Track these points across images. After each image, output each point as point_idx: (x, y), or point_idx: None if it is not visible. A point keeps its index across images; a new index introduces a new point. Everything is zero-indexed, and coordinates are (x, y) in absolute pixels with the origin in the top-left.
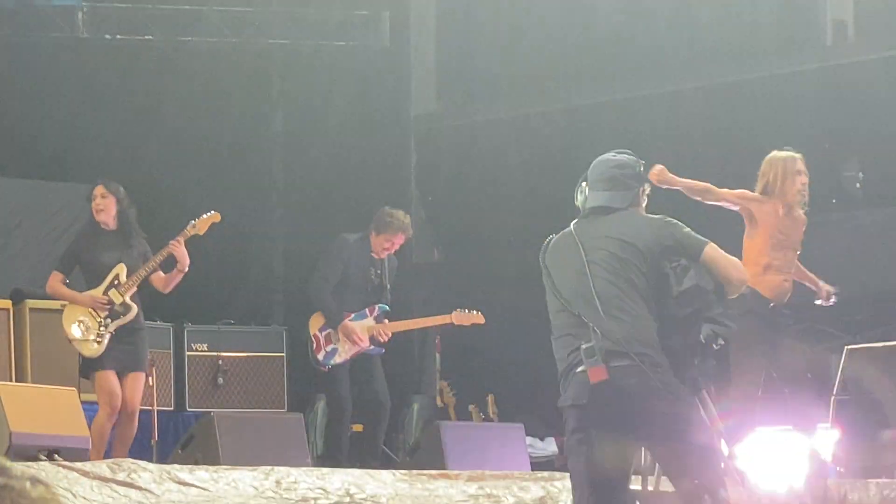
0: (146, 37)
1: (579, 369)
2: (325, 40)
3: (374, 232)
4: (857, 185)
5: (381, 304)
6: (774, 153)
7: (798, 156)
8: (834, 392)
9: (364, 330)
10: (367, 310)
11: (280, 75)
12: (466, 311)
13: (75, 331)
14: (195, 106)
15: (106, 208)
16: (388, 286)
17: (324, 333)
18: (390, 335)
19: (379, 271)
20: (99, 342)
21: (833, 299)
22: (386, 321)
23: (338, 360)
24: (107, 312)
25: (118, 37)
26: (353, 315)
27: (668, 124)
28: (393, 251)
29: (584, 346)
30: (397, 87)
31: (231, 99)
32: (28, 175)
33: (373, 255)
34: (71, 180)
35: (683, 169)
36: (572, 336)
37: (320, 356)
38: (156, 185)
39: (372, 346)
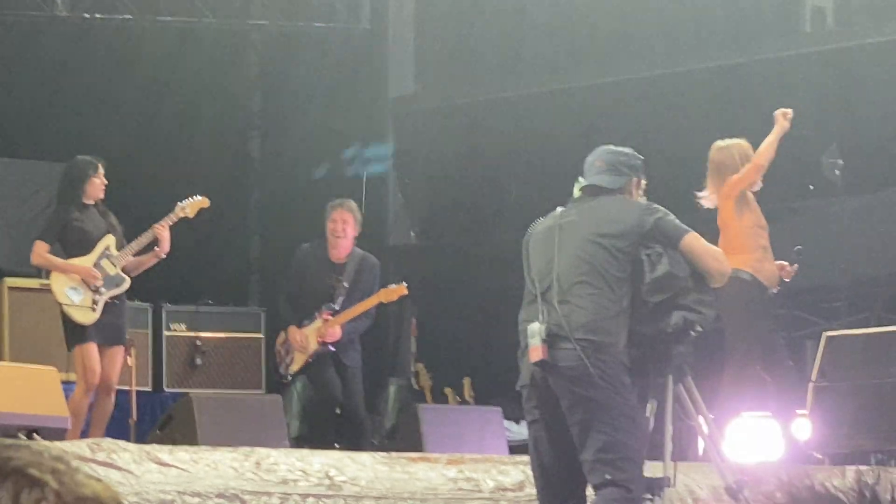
0: (125, 16)
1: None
2: (305, 21)
3: (326, 227)
4: (837, 172)
5: (327, 305)
6: (722, 142)
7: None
8: (812, 379)
9: (313, 333)
10: (316, 313)
11: (259, 56)
12: (392, 286)
13: (70, 296)
14: (173, 86)
15: (103, 186)
16: (346, 285)
17: (284, 347)
18: (339, 332)
19: (341, 276)
20: (94, 309)
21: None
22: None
23: (294, 368)
24: (101, 282)
25: (97, 16)
26: (306, 321)
27: (646, 109)
28: (348, 231)
29: (530, 326)
30: (376, 69)
31: (209, 79)
32: (5, 154)
33: (332, 260)
34: (48, 159)
35: (660, 152)
36: (529, 322)
37: (281, 369)
38: (132, 165)
39: (320, 348)
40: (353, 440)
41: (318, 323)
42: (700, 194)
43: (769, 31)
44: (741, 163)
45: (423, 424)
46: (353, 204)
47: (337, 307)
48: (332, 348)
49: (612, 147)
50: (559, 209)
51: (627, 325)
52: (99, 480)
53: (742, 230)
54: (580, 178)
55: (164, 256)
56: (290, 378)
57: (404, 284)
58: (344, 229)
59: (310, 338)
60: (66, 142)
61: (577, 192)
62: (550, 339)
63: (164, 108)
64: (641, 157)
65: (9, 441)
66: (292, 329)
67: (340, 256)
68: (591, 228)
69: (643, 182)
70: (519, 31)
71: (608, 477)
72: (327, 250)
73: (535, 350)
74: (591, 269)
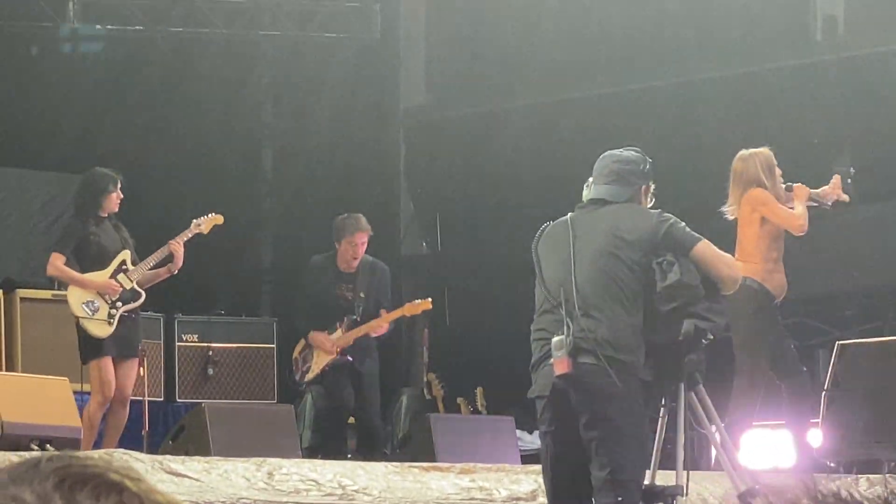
0: (136, 27)
1: (550, 361)
2: (316, 32)
3: (336, 243)
4: (849, 181)
5: (348, 315)
6: (745, 151)
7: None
8: (825, 387)
9: (332, 343)
10: (336, 324)
11: (270, 66)
12: (417, 301)
13: (87, 309)
14: (184, 97)
15: (119, 200)
16: (362, 295)
17: (301, 356)
18: (386, 325)
19: (351, 286)
20: (110, 323)
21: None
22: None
23: (310, 376)
24: (117, 296)
25: (109, 27)
26: (327, 332)
27: (658, 118)
28: (361, 252)
29: (554, 339)
30: (387, 79)
31: (220, 90)
32: (18, 165)
33: (342, 270)
34: (61, 170)
35: (671, 161)
36: (546, 331)
37: (297, 376)
38: (143, 175)
39: (338, 357)
40: (367, 448)
41: (338, 333)
42: (724, 208)
43: (780, 40)
44: (763, 172)
45: (436, 434)
46: (365, 221)
47: (357, 317)
48: (350, 358)
49: (620, 154)
50: (569, 214)
51: (643, 339)
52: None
53: (758, 237)
54: (589, 181)
55: (175, 272)
56: (304, 386)
57: (429, 300)
58: (362, 251)
59: (332, 346)
60: (78, 153)
61: (585, 197)
62: (575, 353)
63: (175, 119)
64: (650, 159)
65: (81, 454)
66: (314, 334)
67: (351, 267)
68: (606, 239)
69: (652, 187)
70: (530, 41)
71: (620, 499)
72: (337, 262)
73: (561, 363)
74: (611, 282)
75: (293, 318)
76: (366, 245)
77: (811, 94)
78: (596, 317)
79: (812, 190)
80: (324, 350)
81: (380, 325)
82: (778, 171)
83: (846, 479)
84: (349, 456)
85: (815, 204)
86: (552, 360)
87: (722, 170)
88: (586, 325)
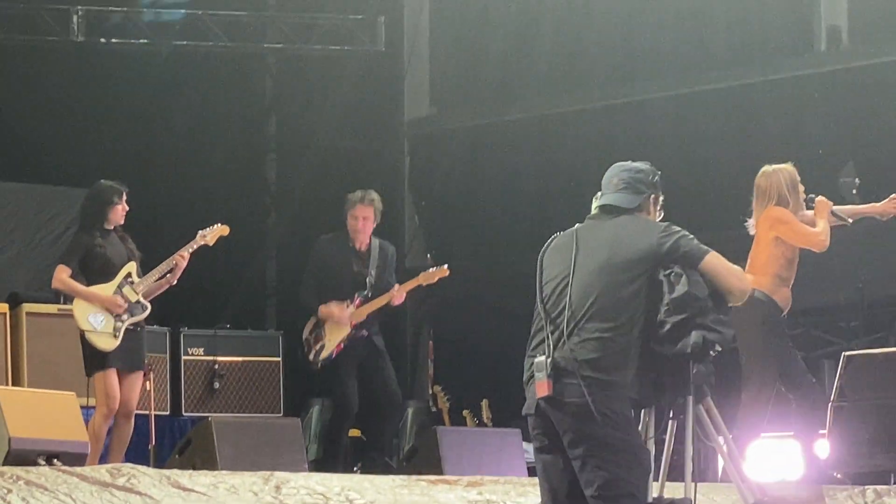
0: (141, 41)
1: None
2: (320, 45)
3: (346, 217)
4: (853, 191)
5: (359, 292)
6: (769, 167)
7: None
8: (831, 398)
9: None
10: (347, 301)
11: (274, 79)
12: (432, 269)
13: (92, 322)
14: (189, 110)
15: (124, 212)
16: (373, 273)
17: (313, 335)
18: (403, 295)
19: (367, 263)
20: (116, 336)
21: None
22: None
23: (325, 354)
24: (123, 309)
25: (113, 41)
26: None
27: (662, 129)
28: (368, 227)
29: (537, 359)
30: (391, 92)
31: (225, 103)
32: (23, 179)
33: (354, 247)
34: (66, 184)
35: (676, 172)
36: (538, 348)
37: (311, 357)
38: (148, 188)
39: (354, 333)
40: (390, 422)
41: (350, 309)
42: (747, 223)
43: (784, 51)
44: (787, 188)
45: (442, 447)
46: (374, 196)
47: (368, 293)
48: (366, 332)
49: (629, 164)
50: (577, 226)
51: (638, 355)
52: None
53: (771, 255)
54: (598, 195)
55: (174, 283)
56: (319, 365)
57: (445, 266)
58: (364, 226)
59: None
60: (82, 167)
61: (594, 209)
62: (556, 374)
63: (180, 132)
64: (659, 171)
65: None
66: (323, 308)
67: (363, 245)
68: (606, 255)
69: (661, 198)
70: (532, 53)
71: None
72: (349, 240)
73: (541, 385)
74: (606, 299)
75: (300, 295)
76: (369, 220)
77: (815, 105)
78: (583, 336)
79: (861, 206)
80: (337, 322)
81: (399, 295)
82: (801, 188)
83: (853, 489)
84: (356, 469)
85: (836, 219)
86: (535, 381)
87: (725, 181)
88: (571, 345)
